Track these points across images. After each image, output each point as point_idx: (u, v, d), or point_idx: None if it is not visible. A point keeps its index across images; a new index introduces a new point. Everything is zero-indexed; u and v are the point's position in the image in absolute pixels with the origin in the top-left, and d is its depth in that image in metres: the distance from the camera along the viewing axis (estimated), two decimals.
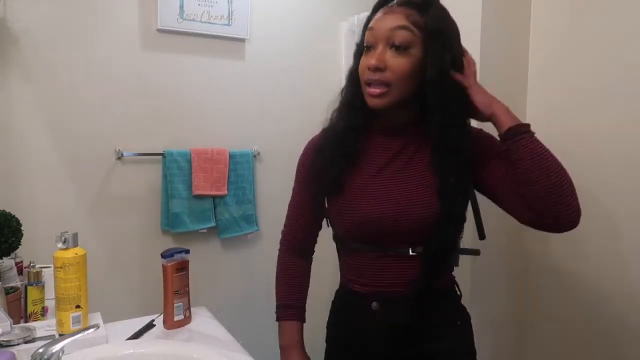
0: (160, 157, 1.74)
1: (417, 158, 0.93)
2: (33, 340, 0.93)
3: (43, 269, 1.15)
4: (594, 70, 1.32)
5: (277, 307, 1.07)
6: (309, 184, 1.02)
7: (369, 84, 0.88)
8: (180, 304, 1.12)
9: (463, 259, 0.97)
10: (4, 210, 1.13)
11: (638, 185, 1.24)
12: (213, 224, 1.83)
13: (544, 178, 0.80)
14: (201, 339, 1.07)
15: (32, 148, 1.55)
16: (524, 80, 1.48)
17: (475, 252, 0.97)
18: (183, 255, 1.14)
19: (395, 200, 0.90)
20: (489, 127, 0.92)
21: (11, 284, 1.13)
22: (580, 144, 1.35)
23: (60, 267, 0.95)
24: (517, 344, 1.58)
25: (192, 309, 1.17)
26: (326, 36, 2.00)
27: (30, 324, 1.02)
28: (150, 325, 1.11)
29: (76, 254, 0.96)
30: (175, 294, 1.11)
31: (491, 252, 1.49)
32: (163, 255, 1.12)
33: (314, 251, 1.12)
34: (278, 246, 1.13)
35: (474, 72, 0.90)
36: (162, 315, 1.13)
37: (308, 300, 1.08)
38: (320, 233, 1.10)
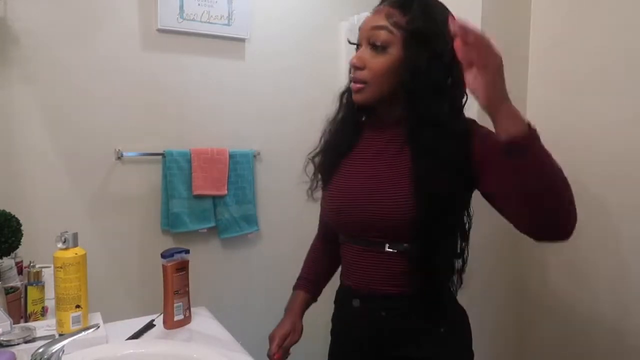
0: (160, 157, 1.74)
1: (398, 155, 0.92)
2: (33, 340, 0.93)
3: (43, 269, 1.15)
4: (594, 68, 1.32)
5: None
6: None
7: (351, 81, 0.92)
8: (180, 304, 1.12)
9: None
10: (4, 210, 1.13)
11: (638, 183, 1.24)
12: (213, 224, 1.83)
13: (546, 199, 0.74)
14: (201, 339, 1.07)
15: (32, 148, 1.55)
16: (524, 80, 1.48)
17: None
18: (183, 255, 1.14)
19: (366, 194, 0.92)
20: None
21: (11, 284, 1.13)
22: (580, 141, 1.35)
23: (60, 267, 0.95)
24: (518, 347, 1.58)
25: (192, 309, 1.17)
26: (326, 36, 2.00)
27: (30, 324, 1.02)
28: (150, 325, 1.11)
29: (76, 254, 0.96)
30: (175, 294, 1.11)
31: (491, 252, 1.49)
32: (163, 255, 1.12)
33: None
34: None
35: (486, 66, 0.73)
36: (162, 315, 1.13)
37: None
38: None
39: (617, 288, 1.29)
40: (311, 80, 2.01)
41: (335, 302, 1.07)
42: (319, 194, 1.05)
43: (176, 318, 1.11)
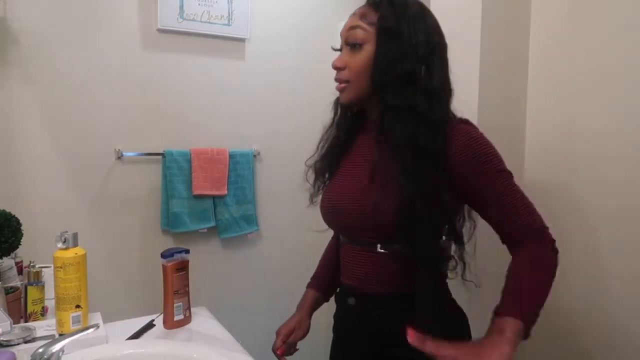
0: (160, 157, 1.74)
1: (382, 154, 0.92)
2: (33, 340, 0.93)
3: (43, 269, 1.15)
4: (594, 68, 1.32)
5: None
6: None
7: (336, 81, 0.96)
8: (180, 304, 1.12)
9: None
10: (4, 210, 1.13)
11: (637, 184, 1.24)
12: (213, 223, 1.83)
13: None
14: (201, 339, 1.07)
15: (32, 148, 1.55)
16: (524, 80, 1.48)
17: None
18: (183, 255, 1.14)
19: (350, 196, 0.93)
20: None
21: (11, 284, 1.13)
22: (580, 142, 1.34)
23: (60, 267, 0.95)
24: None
25: (192, 309, 1.17)
26: (326, 36, 2.00)
27: (30, 324, 1.01)
28: (150, 325, 1.11)
29: (76, 253, 0.96)
30: (175, 294, 1.11)
31: (492, 252, 1.49)
32: (163, 255, 1.12)
33: None
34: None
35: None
36: (162, 315, 1.13)
37: None
38: None
39: (618, 289, 1.29)
40: (311, 80, 2.01)
41: (336, 300, 1.09)
42: (319, 198, 1.06)
43: (176, 318, 1.11)
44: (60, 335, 0.94)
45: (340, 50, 0.96)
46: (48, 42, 1.55)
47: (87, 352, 0.89)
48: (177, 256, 1.12)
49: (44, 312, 1.13)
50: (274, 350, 1.10)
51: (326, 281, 1.15)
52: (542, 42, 1.45)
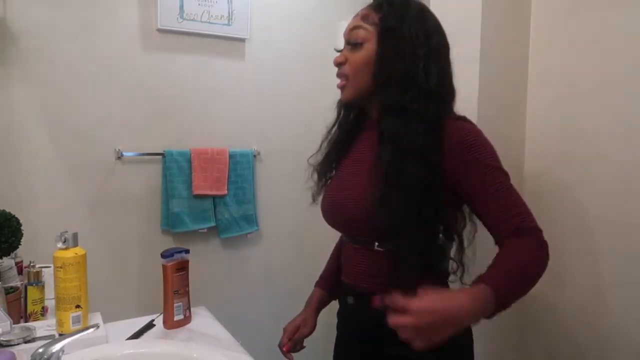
0: (160, 157, 1.74)
1: (379, 153, 0.92)
2: (33, 340, 0.93)
3: (43, 269, 1.15)
4: (595, 68, 1.32)
5: None
6: None
7: (338, 77, 0.98)
8: (180, 303, 1.12)
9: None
10: (4, 210, 1.13)
11: (637, 185, 1.24)
12: (213, 223, 1.83)
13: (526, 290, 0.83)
14: (201, 339, 1.07)
15: (32, 148, 1.55)
16: (524, 80, 1.48)
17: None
18: (183, 255, 1.14)
19: (346, 196, 0.95)
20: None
21: (11, 284, 1.13)
22: (580, 142, 1.34)
23: (60, 267, 0.95)
24: (518, 347, 1.58)
25: (192, 309, 1.17)
26: (326, 36, 2.00)
27: (30, 324, 1.02)
28: (150, 325, 1.11)
29: (76, 253, 0.96)
30: (175, 294, 1.11)
31: (491, 257, 1.49)
32: (163, 255, 1.12)
33: None
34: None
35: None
36: (162, 315, 1.13)
37: None
38: None
39: (618, 291, 1.29)
40: (311, 80, 2.01)
41: (338, 298, 1.11)
42: (321, 197, 1.07)
43: (176, 318, 1.11)
44: (60, 335, 0.94)
45: (342, 51, 0.98)
46: (48, 42, 1.55)
47: (87, 352, 0.89)
48: (177, 256, 1.12)
49: (44, 312, 1.13)
50: (280, 347, 1.12)
51: (332, 280, 1.15)
52: (542, 42, 1.45)
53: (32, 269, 1.14)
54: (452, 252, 0.99)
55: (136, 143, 1.71)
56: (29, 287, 1.11)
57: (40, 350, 0.75)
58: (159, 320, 1.13)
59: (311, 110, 1.98)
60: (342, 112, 1.05)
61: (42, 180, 1.57)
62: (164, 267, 1.11)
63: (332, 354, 1.11)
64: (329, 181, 1.05)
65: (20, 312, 1.11)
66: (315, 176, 1.07)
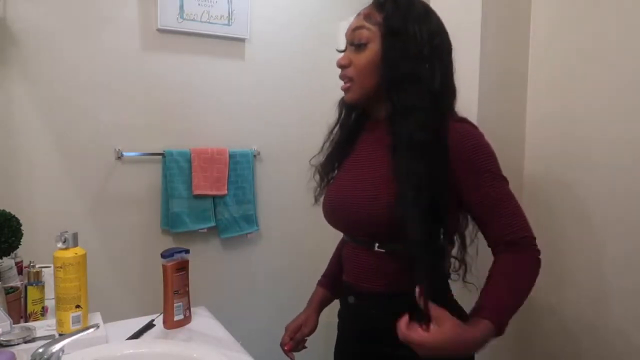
0: (160, 157, 1.74)
1: (381, 153, 0.92)
2: (33, 340, 0.93)
3: (43, 269, 1.15)
4: (595, 69, 1.31)
5: None
6: None
7: (341, 79, 0.97)
8: (180, 304, 1.12)
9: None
10: (4, 210, 1.13)
11: (638, 186, 1.24)
12: (213, 223, 1.83)
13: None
14: (201, 339, 1.07)
15: (32, 148, 1.55)
16: (524, 77, 1.48)
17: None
18: (183, 255, 1.14)
19: (348, 196, 0.94)
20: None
21: (11, 284, 1.13)
22: (581, 143, 1.34)
23: (60, 267, 0.95)
24: (519, 347, 1.58)
25: (192, 309, 1.17)
26: (326, 36, 2.00)
27: (30, 324, 1.02)
28: (150, 325, 1.11)
29: (76, 253, 0.96)
30: (175, 294, 1.11)
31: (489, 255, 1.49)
32: (163, 255, 1.12)
33: None
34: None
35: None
36: (162, 315, 1.13)
37: None
38: None
39: (618, 294, 1.29)
40: (311, 81, 2.01)
41: (339, 298, 1.10)
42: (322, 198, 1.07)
43: (176, 318, 1.11)
44: (60, 335, 0.94)
45: (345, 51, 0.97)
46: (48, 42, 1.55)
47: (87, 352, 0.89)
48: (177, 256, 1.12)
49: (44, 312, 1.13)
50: (282, 346, 1.13)
51: (334, 279, 1.15)
52: (542, 42, 1.45)
53: (32, 269, 1.14)
54: (454, 251, 0.99)
55: (136, 143, 1.71)
56: (29, 287, 1.11)
57: (40, 350, 0.75)
58: (159, 320, 1.13)
59: (311, 110, 1.98)
60: (343, 113, 1.05)
61: (42, 180, 1.57)
62: (164, 267, 1.11)
63: (332, 353, 1.11)
64: (331, 181, 1.05)
65: (20, 312, 1.11)
66: (318, 177, 1.06)
